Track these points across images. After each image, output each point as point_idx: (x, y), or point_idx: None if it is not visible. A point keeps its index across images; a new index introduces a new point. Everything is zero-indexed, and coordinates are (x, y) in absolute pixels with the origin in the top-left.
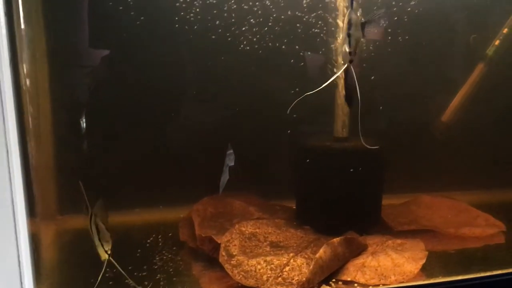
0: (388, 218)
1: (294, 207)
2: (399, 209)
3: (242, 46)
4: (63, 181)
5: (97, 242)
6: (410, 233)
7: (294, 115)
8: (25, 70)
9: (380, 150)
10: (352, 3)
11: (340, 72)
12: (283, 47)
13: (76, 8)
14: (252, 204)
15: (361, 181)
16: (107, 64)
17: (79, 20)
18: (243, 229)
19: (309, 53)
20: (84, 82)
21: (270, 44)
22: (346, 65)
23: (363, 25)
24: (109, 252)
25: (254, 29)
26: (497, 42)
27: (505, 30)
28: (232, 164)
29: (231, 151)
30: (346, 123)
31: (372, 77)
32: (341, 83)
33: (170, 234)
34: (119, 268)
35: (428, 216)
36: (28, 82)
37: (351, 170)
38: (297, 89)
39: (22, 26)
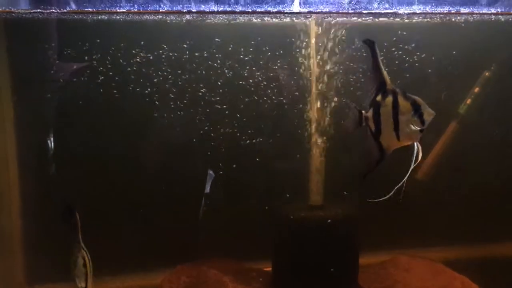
0: (365, 283)
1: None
2: (376, 272)
3: None
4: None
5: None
6: None
7: None
8: None
9: (355, 216)
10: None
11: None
12: None
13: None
14: (227, 273)
15: (338, 250)
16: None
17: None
18: None
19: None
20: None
21: None
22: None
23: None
24: None
25: None
26: (468, 101)
27: (477, 89)
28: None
29: (211, 172)
30: (321, 190)
31: None
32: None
33: None
34: None
35: (405, 280)
36: None
37: (327, 239)
38: None
39: None
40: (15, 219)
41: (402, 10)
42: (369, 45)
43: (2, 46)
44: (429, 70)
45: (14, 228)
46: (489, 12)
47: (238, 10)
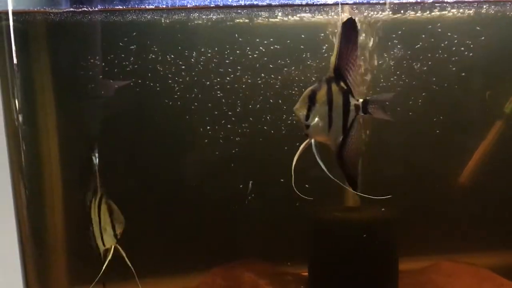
0: None
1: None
2: (416, 278)
3: None
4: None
5: (105, 226)
6: None
7: None
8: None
9: (393, 218)
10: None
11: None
12: None
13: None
14: (263, 276)
15: (376, 253)
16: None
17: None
18: None
19: None
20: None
21: None
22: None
23: (365, 103)
24: (118, 237)
25: None
26: None
27: None
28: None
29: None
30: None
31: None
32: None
33: None
34: (125, 258)
35: (449, 286)
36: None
37: (364, 242)
38: None
39: (15, 61)
40: (58, 220)
41: None
42: (349, 25)
43: (42, 47)
44: (472, 67)
45: (57, 229)
46: None
47: (265, 4)
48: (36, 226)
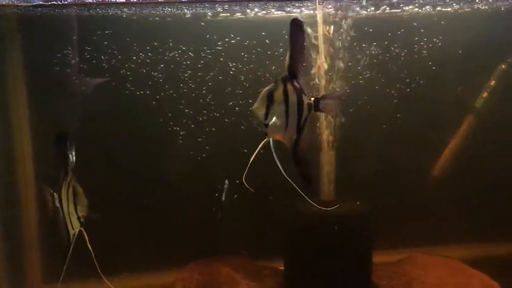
0: (380, 280)
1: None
2: (391, 270)
3: None
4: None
5: (71, 210)
6: None
7: None
8: None
9: (368, 212)
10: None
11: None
12: None
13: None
14: (239, 270)
15: (350, 247)
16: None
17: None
18: None
19: None
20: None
21: None
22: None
23: (317, 101)
24: (82, 220)
25: None
26: (485, 94)
27: (493, 82)
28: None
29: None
30: (332, 185)
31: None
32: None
33: None
34: (88, 244)
35: (422, 278)
36: None
37: (338, 236)
38: None
39: None
40: (31, 216)
41: None
42: (296, 25)
43: (13, 42)
44: (444, 63)
45: (31, 226)
46: None
47: None
48: (8, 224)
